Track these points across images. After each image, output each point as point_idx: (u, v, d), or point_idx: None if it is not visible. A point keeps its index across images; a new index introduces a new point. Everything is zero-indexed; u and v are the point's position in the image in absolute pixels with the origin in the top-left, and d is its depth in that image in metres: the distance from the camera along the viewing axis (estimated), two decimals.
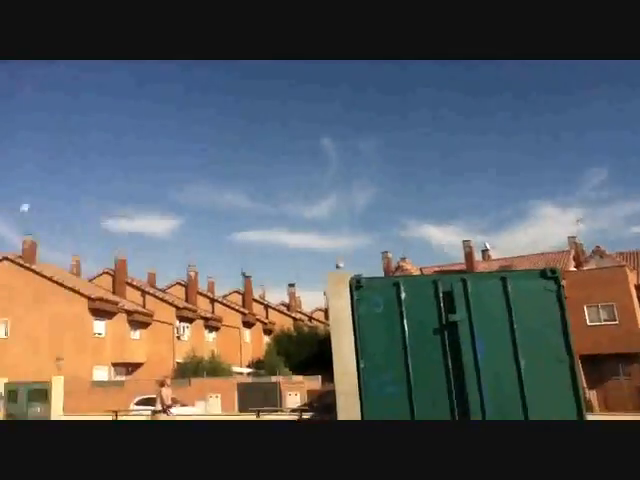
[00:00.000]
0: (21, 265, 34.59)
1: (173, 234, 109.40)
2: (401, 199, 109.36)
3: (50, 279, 34.00)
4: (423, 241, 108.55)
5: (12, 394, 23.48)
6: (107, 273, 43.09)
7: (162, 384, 12.42)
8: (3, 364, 29.09)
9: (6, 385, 23.44)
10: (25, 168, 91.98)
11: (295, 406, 23.44)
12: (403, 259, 39.76)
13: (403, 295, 5.55)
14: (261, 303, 56.72)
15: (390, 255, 41.49)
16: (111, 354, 34.96)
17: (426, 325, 5.50)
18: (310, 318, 59.07)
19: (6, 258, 35.13)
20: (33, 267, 34.61)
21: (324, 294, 63.49)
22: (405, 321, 5.48)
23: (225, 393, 26.10)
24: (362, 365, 5.45)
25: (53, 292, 33.42)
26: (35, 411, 23.67)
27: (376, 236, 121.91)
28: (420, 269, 37.72)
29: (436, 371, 5.39)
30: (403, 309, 5.52)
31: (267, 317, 54.79)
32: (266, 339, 49.00)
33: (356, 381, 5.43)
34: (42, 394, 24.29)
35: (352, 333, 5.55)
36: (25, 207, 36.91)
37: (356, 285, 5.65)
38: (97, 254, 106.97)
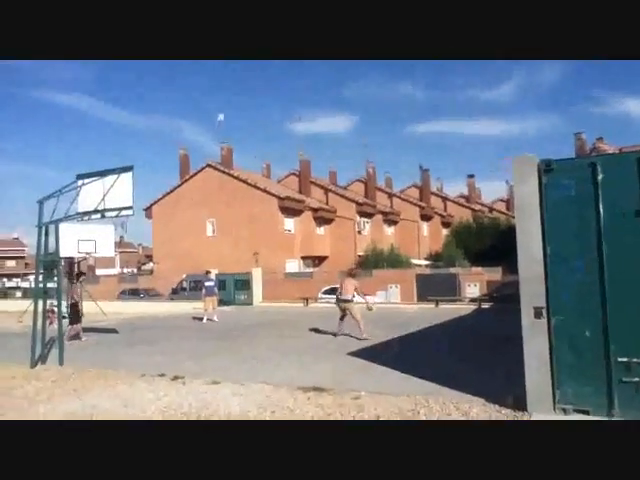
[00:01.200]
0: (221, 170, 38.33)
1: (351, 132, 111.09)
2: (597, 69, 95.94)
3: (245, 182, 37.28)
4: (624, 117, 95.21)
5: (222, 283, 27.03)
6: (293, 174, 45.76)
7: (350, 274, 12.79)
8: (213, 257, 33.40)
9: (217, 275, 26.99)
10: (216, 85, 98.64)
11: (474, 296, 23.42)
12: (599, 139, 35.13)
13: (600, 176, 5.00)
14: (439, 196, 55.96)
15: (584, 136, 37.11)
16: (300, 248, 38.00)
17: (626, 209, 4.94)
18: (490, 209, 56.97)
19: (209, 165, 39.18)
20: (231, 172, 38.16)
21: (506, 183, 60.28)
22: (601, 205, 4.99)
23: (404, 283, 26.95)
24: (549, 251, 5.17)
25: (248, 193, 36.73)
26: (240, 298, 27.07)
27: (567, 116, 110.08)
28: (619, 149, 33.31)
29: (635, 259, 4.89)
30: (599, 192, 5.00)
31: (445, 210, 54.12)
32: (444, 232, 48.77)
33: (542, 268, 5.20)
34: (245, 283, 27.58)
35: (539, 219, 5.24)
36: (221, 117, 40.13)
37: (545, 168, 5.23)
38: (283, 156, 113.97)
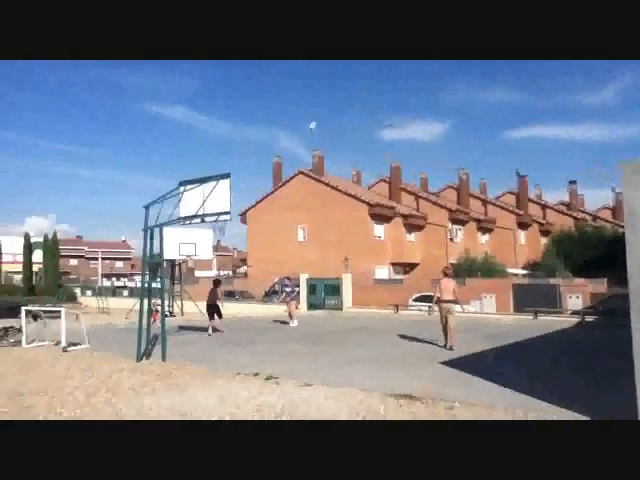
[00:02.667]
0: (312, 177, 39.05)
1: (443, 137, 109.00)
2: None
3: (336, 189, 37.72)
4: None
5: (312, 288, 27.43)
6: (383, 181, 45.74)
7: (444, 274, 12.19)
8: (304, 262, 34.03)
9: (307, 280, 27.44)
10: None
11: (576, 308, 22.05)
12: None
13: None
14: (537, 203, 53.46)
15: None
16: (390, 255, 37.77)
17: None
18: (594, 217, 53.54)
19: (301, 172, 40.08)
20: (322, 179, 38.77)
21: (612, 190, 56.49)
22: None
23: (500, 293, 25.92)
24: None
25: (339, 200, 37.12)
26: (330, 303, 27.29)
27: None
28: None
29: None
30: None
31: (544, 218, 51.57)
32: (543, 240, 46.53)
33: None
34: (335, 289, 27.74)
35: None
36: (313, 125, 40.78)
37: None
38: (373, 163, 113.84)
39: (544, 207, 53.44)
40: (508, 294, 25.61)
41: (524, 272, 37.81)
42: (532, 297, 23.28)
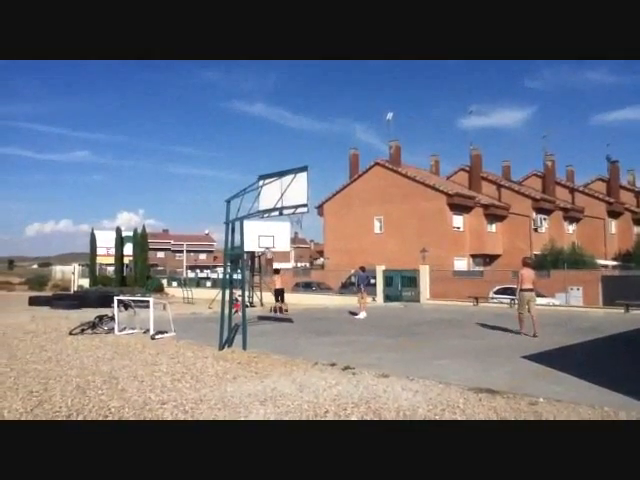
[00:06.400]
0: (389, 168, 38.73)
1: (527, 124, 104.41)
2: None
3: (414, 179, 37.22)
4: None
5: (388, 279, 27.27)
6: (463, 170, 44.59)
7: (524, 263, 12.42)
8: (381, 254, 33.89)
9: (384, 272, 27.31)
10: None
11: None
12: None
13: None
14: (630, 190, 50.09)
15: None
16: (469, 246, 36.80)
17: None
18: None
19: (377, 163, 39.88)
20: (399, 169, 38.36)
21: None
22: None
23: (587, 286, 24.62)
24: None
25: (416, 191, 36.61)
26: (407, 295, 27.01)
27: None
28: None
29: None
30: None
31: (638, 205, 48.33)
32: (636, 230, 43.65)
33: None
34: (412, 280, 27.41)
35: None
36: (389, 116, 40.43)
37: None
38: (452, 152, 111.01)
39: (638, 194, 50.05)
40: (597, 286, 24.30)
41: (615, 263, 35.68)
42: (623, 290, 21.91)
